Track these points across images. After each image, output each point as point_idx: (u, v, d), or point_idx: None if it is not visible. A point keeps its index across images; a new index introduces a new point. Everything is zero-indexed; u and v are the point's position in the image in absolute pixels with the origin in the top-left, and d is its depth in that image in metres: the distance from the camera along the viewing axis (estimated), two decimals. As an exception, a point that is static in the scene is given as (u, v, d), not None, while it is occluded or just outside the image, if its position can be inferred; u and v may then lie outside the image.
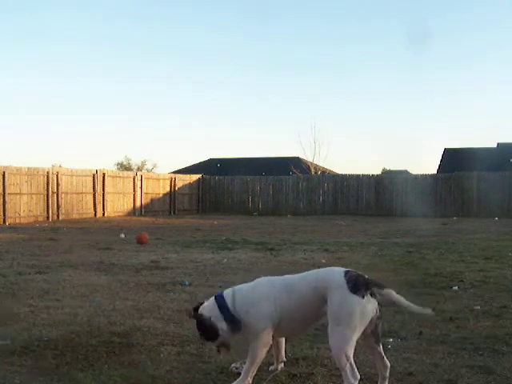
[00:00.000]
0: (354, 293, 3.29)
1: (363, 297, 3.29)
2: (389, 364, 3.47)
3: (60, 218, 22.41)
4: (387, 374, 3.46)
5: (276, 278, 3.73)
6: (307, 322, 3.63)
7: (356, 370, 3.27)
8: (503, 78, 69.07)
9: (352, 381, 3.23)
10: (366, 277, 3.44)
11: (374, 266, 9.01)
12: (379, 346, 3.46)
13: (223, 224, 20.54)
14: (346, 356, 3.24)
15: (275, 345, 3.77)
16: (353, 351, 3.28)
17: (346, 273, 3.42)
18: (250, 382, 3.53)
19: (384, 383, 3.46)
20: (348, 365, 3.24)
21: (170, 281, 7.44)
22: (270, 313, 3.50)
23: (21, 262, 9.24)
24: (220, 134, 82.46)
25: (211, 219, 23.21)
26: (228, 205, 30.45)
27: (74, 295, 6.46)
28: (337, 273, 3.46)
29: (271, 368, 3.84)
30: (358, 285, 3.32)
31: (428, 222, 20.22)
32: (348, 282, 3.33)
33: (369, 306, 3.30)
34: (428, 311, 3.61)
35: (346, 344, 3.25)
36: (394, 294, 3.40)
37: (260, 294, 3.59)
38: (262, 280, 3.72)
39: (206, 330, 3.57)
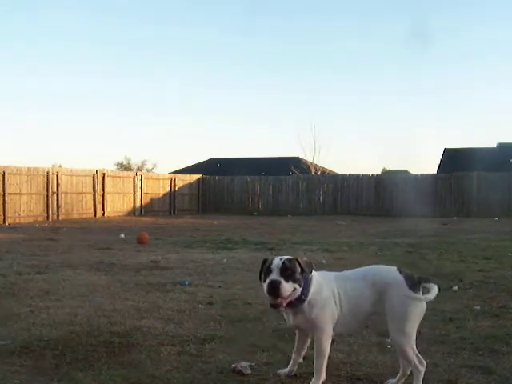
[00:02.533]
0: (413, 290, 3.46)
1: (420, 294, 3.48)
2: (424, 362, 3.55)
3: (60, 217, 22.42)
4: (409, 371, 3.56)
5: (330, 273, 3.76)
6: (361, 318, 3.67)
7: (421, 357, 3.47)
8: (503, 78, 69.07)
9: (421, 369, 3.43)
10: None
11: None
12: None
13: (223, 224, 20.54)
14: (413, 349, 3.43)
15: (300, 345, 3.76)
16: (415, 343, 3.45)
17: (400, 270, 3.56)
18: (325, 377, 3.53)
19: (402, 380, 3.57)
20: (415, 356, 3.43)
21: (170, 281, 7.44)
22: (333, 307, 3.53)
23: (21, 262, 9.24)
24: (220, 134, 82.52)
25: (211, 219, 23.21)
26: (228, 205, 30.46)
27: (73, 295, 6.46)
28: (393, 270, 3.59)
29: (283, 371, 3.76)
30: (414, 282, 3.49)
31: (428, 222, 20.22)
32: (406, 280, 3.48)
33: (424, 302, 3.51)
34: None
35: (410, 339, 3.44)
36: (436, 288, 3.55)
37: (326, 288, 3.56)
38: (323, 274, 3.68)
39: (299, 270, 3.40)
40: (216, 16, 70.88)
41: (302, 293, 3.41)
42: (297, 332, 3.76)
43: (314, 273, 3.54)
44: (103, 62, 73.08)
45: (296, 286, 3.38)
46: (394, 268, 3.62)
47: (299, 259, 3.46)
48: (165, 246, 12.31)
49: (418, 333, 4.78)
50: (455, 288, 6.89)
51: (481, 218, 23.29)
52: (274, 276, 3.34)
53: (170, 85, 77.10)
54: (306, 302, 3.44)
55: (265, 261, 3.50)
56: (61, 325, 5.05)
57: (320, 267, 8.79)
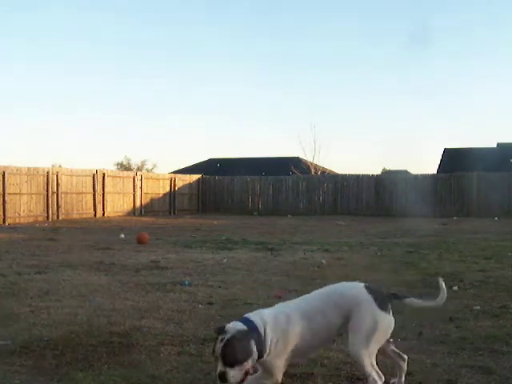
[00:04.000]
0: (382, 309, 3.40)
1: (389, 312, 3.43)
2: (406, 356, 3.58)
3: (60, 217, 22.41)
4: (405, 366, 3.57)
5: (292, 307, 3.53)
6: (325, 341, 3.58)
7: (379, 371, 3.40)
8: (503, 78, 69.08)
9: (379, 382, 3.35)
10: (384, 290, 3.57)
11: (373, 266, 9.01)
12: (391, 345, 3.61)
13: (223, 224, 20.54)
14: (372, 365, 3.37)
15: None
16: (375, 358, 3.40)
17: (368, 288, 3.48)
18: None
19: (403, 374, 3.57)
20: (374, 371, 3.36)
21: (170, 281, 7.44)
22: (287, 348, 3.37)
23: (21, 262, 9.25)
24: (220, 133, 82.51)
25: (211, 219, 23.20)
26: (228, 205, 30.46)
27: (73, 295, 6.46)
28: (360, 289, 3.49)
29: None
30: (384, 301, 3.43)
31: (428, 222, 20.21)
32: (375, 299, 3.41)
33: (392, 320, 3.45)
34: (441, 300, 3.75)
35: (372, 356, 3.37)
36: (415, 301, 3.59)
37: (283, 326, 3.37)
38: (283, 311, 3.48)
39: (240, 350, 3.16)
40: (216, 15, 70.93)
41: (259, 353, 3.25)
42: None
43: (267, 327, 3.30)
44: (103, 61, 73.19)
45: (245, 364, 3.18)
46: (361, 285, 3.51)
47: (235, 336, 3.17)
48: (165, 246, 12.31)
49: (419, 333, 4.81)
50: (455, 288, 6.88)
51: (481, 218, 23.29)
52: (219, 367, 3.17)
53: (170, 85, 77.19)
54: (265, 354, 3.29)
55: (218, 334, 3.27)
56: (61, 325, 5.05)
57: (320, 267, 8.81)
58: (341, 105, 70.28)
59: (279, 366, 3.37)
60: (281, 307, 3.55)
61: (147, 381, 3.67)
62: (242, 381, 3.21)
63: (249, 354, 3.20)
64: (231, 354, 3.14)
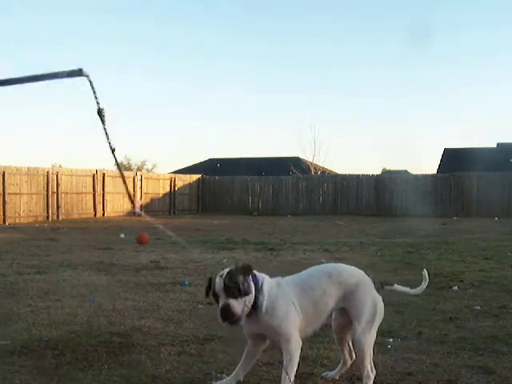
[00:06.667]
0: (378, 292, 3.50)
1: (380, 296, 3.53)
2: (354, 357, 3.64)
3: (60, 218, 22.42)
4: (348, 365, 3.72)
5: (290, 278, 3.59)
6: (324, 316, 3.53)
7: (373, 365, 3.49)
8: (503, 78, 69.08)
9: (372, 376, 3.44)
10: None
11: (373, 266, 9.01)
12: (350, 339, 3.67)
13: (223, 224, 20.54)
14: (370, 354, 3.44)
15: (249, 358, 3.56)
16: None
17: (365, 272, 3.59)
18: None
19: (342, 370, 3.73)
20: (369, 365, 3.43)
21: (170, 281, 7.44)
22: (294, 313, 3.34)
23: (21, 262, 9.25)
24: (220, 134, 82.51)
25: (211, 219, 23.20)
26: (228, 205, 30.46)
27: (73, 295, 6.46)
28: (359, 271, 3.59)
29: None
30: (378, 285, 3.53)
31: (428, 222, 20.21)
32: (374, 282, 3.51)
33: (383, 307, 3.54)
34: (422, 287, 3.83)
35: (373, 342, 3.45)
36: (402, 287, 3.76)
37: (282, 295, 3.37)
38: (283, 281, 3.50)
39: (242, 281, 3.18)
40: (215, 15, 70.86)
41: (255, 299, 3.24)
42: (249, 342, 3.51)
43: (265, 279, 3.35)
44: (102, 60, 72.91)
45: (246, 297, 3.19)
46: (356, 268, 3.63)
47: (236, 269, 3.24)
48: (165, 246, 12.31)
49: (419, 333, 4.81)
50: (455, 288, 6.89)
51: (481, 218, 23.29)
52: (222, 300, 3.17)
53: (169, 84, 77.13)
54: (263, 310, 3.26)
55: (209, 280, 3.31)
56: (61, 325, 5.05)
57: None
58: (341, 104, 70.32)
59: (288, 327, 3.27)
60: (276, 279, 3.52)
61: (147, 381, 3.67)
62: (240, 317, 3.19)
63: (250, 288, 3.20)
64: (234, 284, 3.15)
